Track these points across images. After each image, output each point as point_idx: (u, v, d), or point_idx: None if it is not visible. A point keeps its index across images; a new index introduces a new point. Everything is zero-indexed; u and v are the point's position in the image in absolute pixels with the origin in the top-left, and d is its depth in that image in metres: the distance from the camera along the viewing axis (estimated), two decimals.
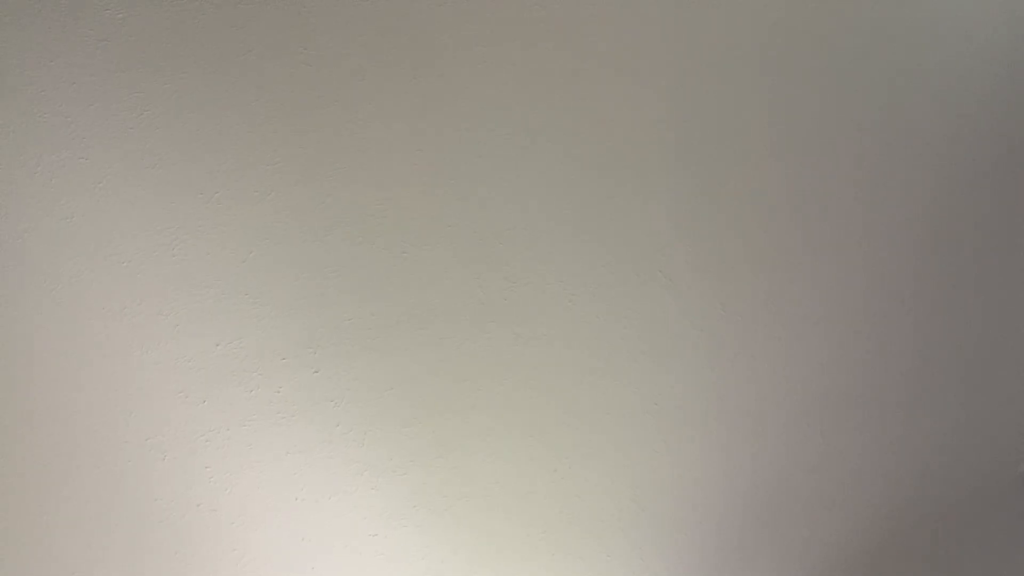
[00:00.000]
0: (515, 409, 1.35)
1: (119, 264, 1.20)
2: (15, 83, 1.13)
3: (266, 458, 1.27)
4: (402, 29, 1.23)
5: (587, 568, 1.46)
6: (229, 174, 1.21)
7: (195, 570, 1.27)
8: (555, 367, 1.36)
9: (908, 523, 1.56)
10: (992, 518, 1.60)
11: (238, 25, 1.18)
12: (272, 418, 1.27)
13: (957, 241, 1.51)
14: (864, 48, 1.40)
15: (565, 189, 1.32)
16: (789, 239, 1.42)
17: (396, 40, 1.23)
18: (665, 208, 1.36)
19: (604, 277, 1.36)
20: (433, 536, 1.36)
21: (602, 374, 1.38)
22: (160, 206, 1.20)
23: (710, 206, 1.38)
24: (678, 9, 1.30)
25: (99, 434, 1.22)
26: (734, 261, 1.41)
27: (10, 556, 1.21)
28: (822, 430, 1.50)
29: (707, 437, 1.45)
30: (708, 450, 1.45)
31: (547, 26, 1.27)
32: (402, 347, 1.29)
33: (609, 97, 1.31)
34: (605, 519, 1.44)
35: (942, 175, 1.48)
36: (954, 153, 1.48)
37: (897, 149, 1.44)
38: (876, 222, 1.46)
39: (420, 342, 1.30)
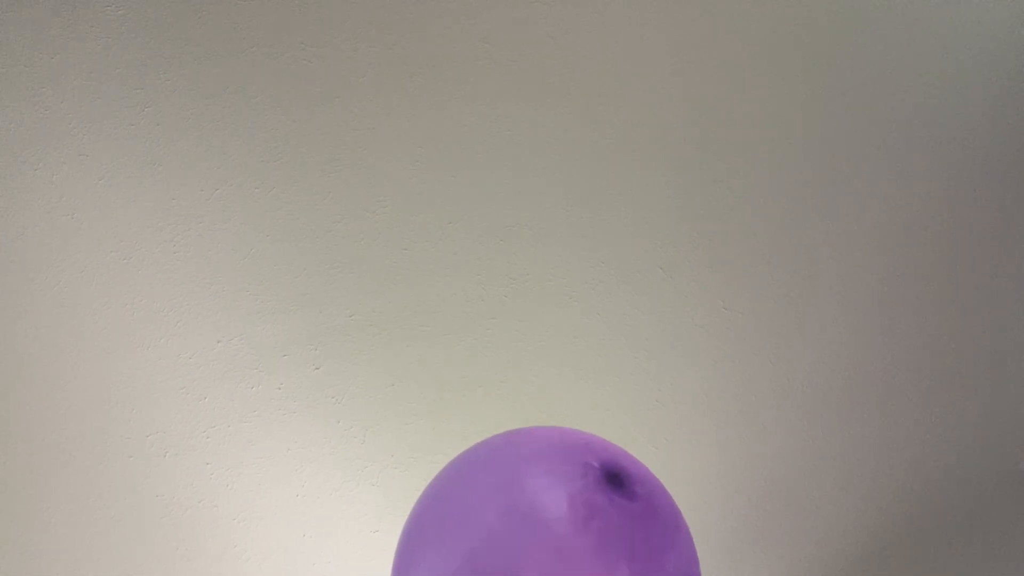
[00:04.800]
0: (516, 406, 1.35)
1: (121, 260, 1.20)
2: (17, 80, 1.14)
3: (267, 454, 1.27)
4: (405, 25, 1.23)
5: None
6: (231, 170, 1.21)
7: (196, 566, 1.27)
8: (556, 364, 1.36)
9: (909, 521, 1.56)
10: (992, 516, 1.60)
11: (240, 21, 1.19)
12: (273, 414, 1.27)
13: (961, 241, 1.51)
14: (873, 45, 1.40)
15: (567, 186, 1.32)
16: (793, 236, 1.42)
17: (399, 36, 1.23)
18: (667, 205, 1.36)
19: (605, 274, 1.36)
20: None
21: (603, 371, 1.38)
22: (162, 203, 1.20)
23: (712, 202, 1.38)
24: (686, 2, 1.30)
25: (100, 430, 1.22)
26: (737, 258, 1.40)
27: (10, 552, 1.22)
28: (822, 428, 1.50)
29: (709, 434, 1.45)
30: (710, 447, 1.45)
31: (549, 22, 1.27)
32: (403, 344, 1.29)
33: (612, 93, 1.31)
34: None
35: (953, 172, 1.48)
36: (966, 149, 1.48)
37: (907, 143, 1.44)
38: (883, 220, 1.46)
39: (421, 339, 1.30)
